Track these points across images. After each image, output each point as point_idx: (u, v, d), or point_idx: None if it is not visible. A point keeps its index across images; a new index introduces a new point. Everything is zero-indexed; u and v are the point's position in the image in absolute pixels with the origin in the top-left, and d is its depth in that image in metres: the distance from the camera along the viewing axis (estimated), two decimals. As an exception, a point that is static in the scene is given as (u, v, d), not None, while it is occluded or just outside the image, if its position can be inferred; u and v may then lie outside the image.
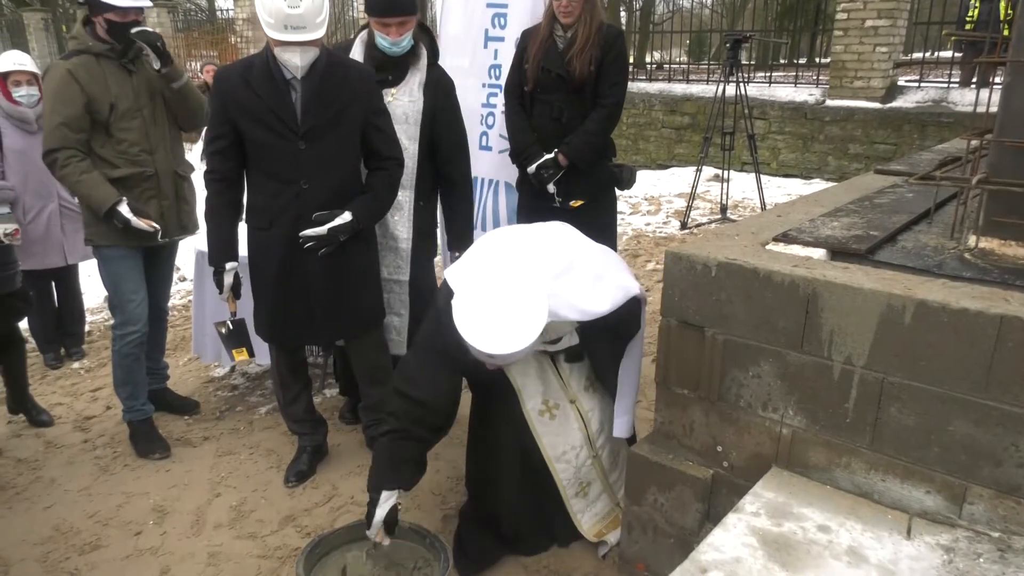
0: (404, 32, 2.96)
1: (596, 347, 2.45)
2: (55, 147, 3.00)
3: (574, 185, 3.37)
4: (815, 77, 10.69)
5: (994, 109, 2.00)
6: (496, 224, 4.04)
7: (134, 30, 3.05)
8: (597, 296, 2.26)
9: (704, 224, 7.42)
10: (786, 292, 1.90)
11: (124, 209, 3.07)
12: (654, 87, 11.47)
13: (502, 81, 3.79)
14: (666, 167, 10.78)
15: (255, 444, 3.49)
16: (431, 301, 2.45)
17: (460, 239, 3.32)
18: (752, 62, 14.01)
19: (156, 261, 3.43)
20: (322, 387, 3.99)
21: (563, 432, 2.52)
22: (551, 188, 3.36)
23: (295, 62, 2.61)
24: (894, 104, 9.08)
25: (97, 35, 3.09)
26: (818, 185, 8.47)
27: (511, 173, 3.68)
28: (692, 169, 8.27)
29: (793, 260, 1.99)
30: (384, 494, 2.31)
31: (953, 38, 10.89)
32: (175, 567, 2.65)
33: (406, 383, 2.30)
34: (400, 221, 3.14)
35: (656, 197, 8.79)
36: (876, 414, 1.83)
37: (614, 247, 3.61)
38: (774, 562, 1.67)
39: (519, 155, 3.44)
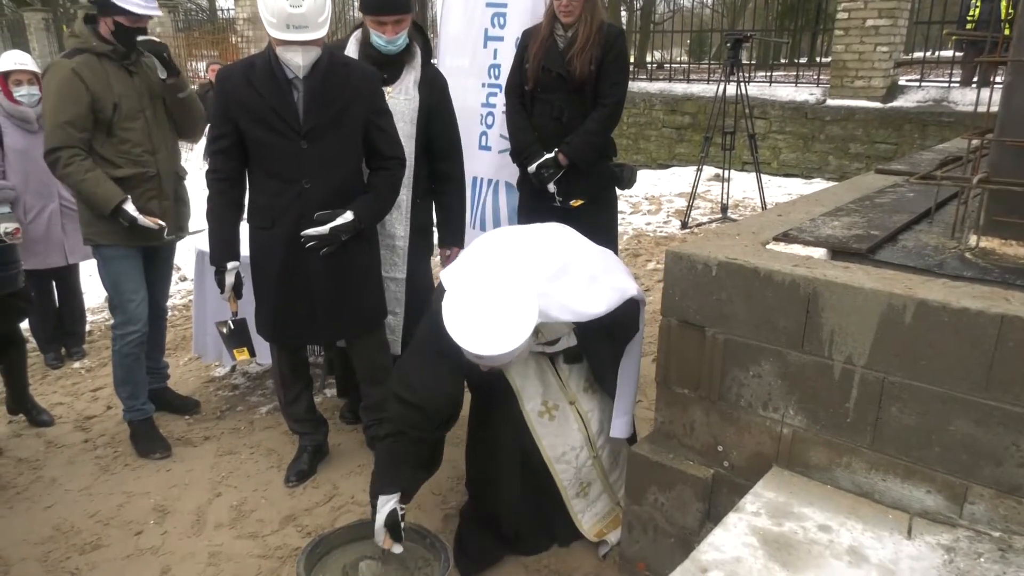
0: (400, 30, 2.98)
1: (594, 348, 2.45)
2: (58, 146, 2.99)
3: (574, 184, 3.37)
4: (816, 77, 10.68)
5: (995, 108, 2.00)
6: (496, 224, 4.04)
7: (140, 39, 3.08)
8: (591, 298, 2.25)
9: (705, 224, 7.42)
10: (787, 292, 1.90)
11: (130, 207, 3.08)
12: (655, 86, 11.47)
13: (502, 81, 3.79)
14: (667, 166, 10.78)
15: (256, 444, 3.49)
16: (428, 301, 2.45)
17: (453, 236, 3.35)
18: (753, 62, 14.00)
19: (155, 261, 3.43)
20: (323, 387, 3.99)
21: (563, 433, 2.52)
22: (551, 187, 3.36)
23: (297, 61, 2.61)
24: (895, 104, 9.08)
25: (100, 35, 3.08)
26: (819, 185, 8.47)
27: (511, 173, 3.68)
28: (693, 169, 8.27)
29: (794, 260, 1.99)
30: (382, 499, 2.31)
31: (954, 37, 10.90)
32: (176, 567, 2.66)
33: (403, 387, 2.30)
34: (397, 219, 3.15)
35: (657, 196, 8.79)
36: (877, 414, 1.83)
37: (614, 247, 3.61)
38: (775, 562, 1.67)
39: (519, 154, 3.45)
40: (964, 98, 8.65)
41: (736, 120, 7.34)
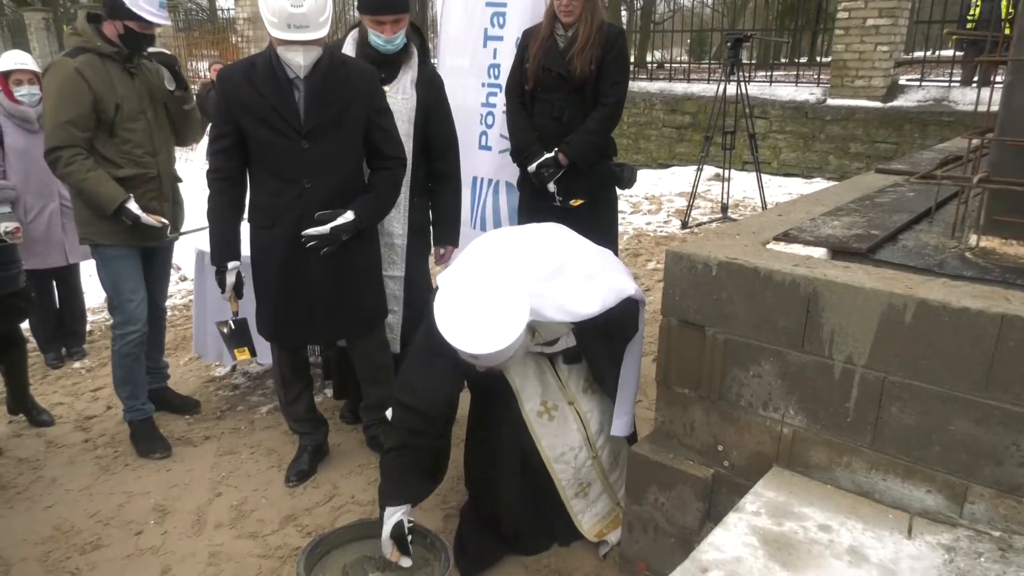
0: (398, 30, 3.00)
1: (593, 348, 2.45)
2: (60, 145, 2.99)
3: (574, 184, 3.37)
4: (816, 76, 10.69)
5: (995, 108, 2.00)
6: (497, 224, 4.04)
7: (152, 50, 3.13)
8: (587, 297, 2.25)
9: (705, 223, 7.42)
10: (787, 291, 1.90)
11: (133, 206, 3.09)
12: (655, 86, 11.47)
13: (501, 81, 3.79)
14: (667, 166, 10.78)
15: (256, 443, 3.49)
16: (426, 300, 2.45)
17: (448, 234, 3.37)
18: (753, 61, 13.99)
19: (153, 261, 3.44)
20: (323, 387, 3.98)
21: (562, 433, 2.52)
22: (551, 187, 3.36)
23: (298, 61, 2.61)
24: (895, 103, 9.08)
25: (104, 35, 3.09)
26: (819, 184, 8.47)
27: (512, 172, 3.68)
28: (693, 168, 8.27)
29: (794, 259, 1.99)
30: (388, 510, 2.31)
31: (954, 37, 10.90)
32: (176, 567, 2.66)
33: (405, 392, 2.30)
34: (395, 217, 3.15)
35: (657, 196, 8.79)
36: (877, 413, 1.83)
37: (615, 246, 3.60)
38: (775, 561, 1.66)
39: (519, 154, 3.45)
40: (964, 98, 8.65)
41: (736, 120, 7.34)
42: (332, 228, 2.74)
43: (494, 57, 3.93)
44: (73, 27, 3.15)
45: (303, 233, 2.74)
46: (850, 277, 1.83)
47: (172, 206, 3.37)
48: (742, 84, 7.26)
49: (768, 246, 2.14)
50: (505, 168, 3.85)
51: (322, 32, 2.60)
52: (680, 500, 2.24)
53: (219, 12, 21.73)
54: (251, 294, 3.02)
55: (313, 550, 2.40)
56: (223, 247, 2.87)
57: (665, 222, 7.66)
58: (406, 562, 2.32)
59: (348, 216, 2.76)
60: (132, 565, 2.68)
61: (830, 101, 9.51)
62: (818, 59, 15.51)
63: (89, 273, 4.63)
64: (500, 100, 3.80)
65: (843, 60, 9.37)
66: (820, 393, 1.91)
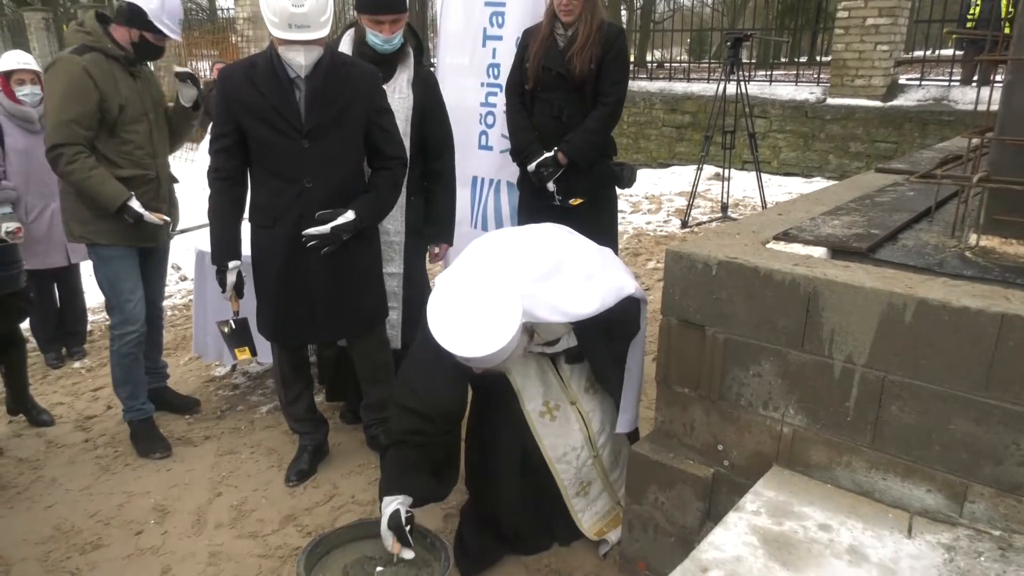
0: (396, 30, 3.01)
1: (593, 348, 2.44)
2: (63, 142, 2.98)
3: (574, 183, 3.37)
4: (816, 75, 10.69)
5: (995, 107, 2.00)
6: (498, 224, 4.04)
7: (180, 70, 3.28)
8: (584, 298, 2.24)
9: (705, 223, 7.42)
10: (787, 291, 1.90)
11: (135, 204, 3.09)
12: (655, 85, 11.47)
13: (501, 80, 3.79)
14: (667, 165, 10.78)
15: (256, 443, 3.49)
16: (424, 298, 2.45)
17: (443, 232, 3.39)
18: (753, 61, 13.99)
19: (150, 260, 3.45)
20: (319, 389, 3.98)
21: (564, 433, 2.52)
22: (551, 186, 3.36)
23: (299, 61, 2.62)
24: (895, 102, 9.08)
25: (112, 37, 3.10)
26: (819, 184, 8.47)
27: (513, 172, 3.68)
28: (693, 168, 8.27)
29: (794, 259, 1.99)
30: (385, 500, 2.30)
31: (954, 36, 10.89)
32: (176, 566, 2.66)
33: (406, 394, 2.30)
34: (393, 215, 3.16)
35: (657, 196, 8.79)
36: (877, 413, 1.83)
37: (615, 246, 3.60)
38: (775, 561, 1.67)
39: (519, 153, 3.45)
40: (964, 97, 8.65)
41: (736, 119, 7.34)
42: (333, 228, 2.74)
43: (493, 57, 3.93)
44: (80, 23, 3.15)
45: (304, 233, 2.74)
46: (850, 276, 1.83)
47: (169, 207, 3.38)
48: (742, 83, 7.26)
49: (768, 245, 2.14)
50: (506, 168, 3.85)
51: (323, 32, 2.61)
52: (680, 499, 2.24)
53: (219, 12, 21.73)
54: (252, 293, 3.02)
55: (313, 550, 2.40)
56: (224, 246, 2.87)
57: (665, 221, 7.66)
58: (408, 554, 2.28)
59: (349, 216, 2.76)
60: (132, 565, 2.68)
61: (830, 100, 9.51)
62: (818, 58, 15.52)
63: (90, 273, 4.64)
64: (500, 100, 3.80)
65: (843, 59, 9.37)
66: (820, 392, 1.91)
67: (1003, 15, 8.76)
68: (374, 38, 3.00)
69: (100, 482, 3.20)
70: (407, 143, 3.11)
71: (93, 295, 5.15)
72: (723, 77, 7.31)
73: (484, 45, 3.95)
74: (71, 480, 3.21)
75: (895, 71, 9.36)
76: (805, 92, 9.89)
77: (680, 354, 2.16)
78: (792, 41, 18.74)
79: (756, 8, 20.11)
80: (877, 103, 9.10)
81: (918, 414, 1.77)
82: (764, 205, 7.47)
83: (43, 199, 4.10)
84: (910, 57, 11.09)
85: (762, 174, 7.66)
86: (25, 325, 3.89)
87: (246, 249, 2.93)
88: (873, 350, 1.79)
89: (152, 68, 3.30)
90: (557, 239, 2.40)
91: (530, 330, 2.30)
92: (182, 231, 3.61)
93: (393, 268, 3.23)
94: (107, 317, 4.13)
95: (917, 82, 9.49)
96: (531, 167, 3.36)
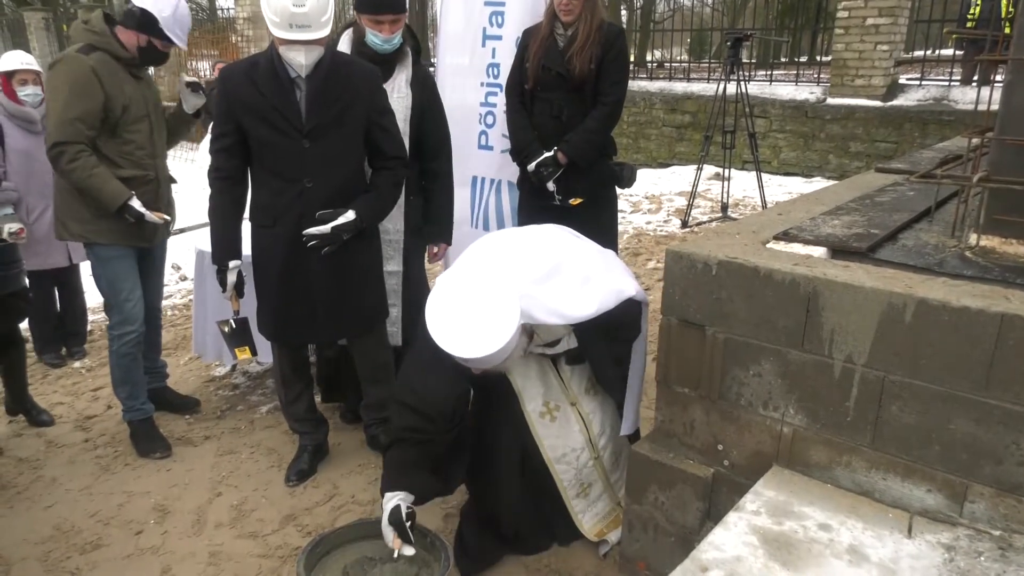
0: (396, 30, 3.02)
1: (593, 349, 2.44)
2: (66, 140, 2.98)
3: (574, 183, 3.37)
4: (816, 75, 10.69)
5: (995, 107, 2.00)
6: (500, 223, 4.04)
7: (189, 80, 3.36)
8: (582, 299, 2.24)
9: (705, 222, 7.42)
10: (787, 291, 1.89)
11: (136, 203, 3.10)
12: (655, 85, 11.47)
13: (501, 80, 3.79)
14: (667, 165, 10.78)
15: (256, 443, 3.49)
16: (423, 297, 2.45)
17: (441, 232, 3.40)
18: (753, 60, 14.00)
19: (148, 261, 3.45)
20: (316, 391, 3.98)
21: (564, 434, 2.52)
22: (550, 186, 3.36)
23: (300, 61, 2.62)
24: (895, 102, 9.08)
25: (118, 39, 3.11)
26: (819, 183, 8.47)
27: (514, 172, 3.68)
28: (693, 167, 8.27)
29: (794, 258, 1.99)
30: (386, 496, 2.29)
31: (954, 36, 10.89)
32: (176, 566, 2.66)
33: (406, 392, 2.30)
34: (393, 214, 3.16)
35: (657, 195, 8.79)
36: (877, 412, 1.83)
37: (615, 245, 3.61)
38: (775, 561, 1.67)
39: (519, 153, 3.45)
40: (964, 97, 8.65)
41: (736, 119, 7.34)
42: (333, 227, 2.74)
43: (493, 56, 3.93)
44: (86, 22, 3.15)
45: (304, 232, 2.74)
46: (850, 276, 1.83)
47: (166, 207, 3.39)
48: (742, 83, 7.26)
49: (768, 245, 2.14)
50: (506, 168, 3.85)
51: (324, 32, 2.61)
52: (680, 499, 2.24)
53: (219, 12, 21.73)
54: (252, 293, 3.03)
55: (313, 550, 2.40)
56: (224, 246, 2.88)
57: (665, 221, 7.66)
58: (408, 550, 2.26)
59: (349, 215, 2.76)
60: (132, 565, 2.68)
61: (830, 100, 9.51)
62: (818, 58, 15.52)
63: (89, 273, 4.64)
64: (500, 100, 3.80)
65: (843, 59, 9.37)
66: (820, 392, 1.91)
67: (1003, 15, 8.76)
68: (374, 38, 3.00)
69: (100, 482, 3.20)
70: (406, 143, 3.11)
71: (93, 295, 5.16)
72: (723, 77, 7.31)
73: (484, 45, 3.95)
74: (71, 480, 3.21)
75: (895, 71, 9.36)
76: (805, 92, 9.89)
77: (680, 354, 2.16)
78: (792, 41, 18.74)
79: (756, 8, 20.11)
80: (877, 103, 9.10)
81: (918, 414, 1.77)
82: (764, 205, 7.47)
83: (44, 200, 4.09)
84: (910, 57, 11.09)
85: (762, 174, 7.66)
86: (24, 325, 3.89)
87: (246, 249, 2.93)
88: (873, 350, 1.79)
89: (152, 70, 3.30)
90: (557, 241, 2.40)
91: (530, 331, 2.30)
92: (180, 230, 3.61)
93: (393, 266, 3.23)
94: (106, 317, 4.14)
95: (917, 82, 9.49)
96: (531, 167, 3.36)
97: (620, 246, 4.45)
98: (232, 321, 3.05)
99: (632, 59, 12.28)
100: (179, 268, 6.06)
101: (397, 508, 2.25)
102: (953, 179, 2.18)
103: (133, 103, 3.13)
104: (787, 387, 1.97)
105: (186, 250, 4.89)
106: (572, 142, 3.29)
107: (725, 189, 7.50)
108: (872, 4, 8.95)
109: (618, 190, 3.60)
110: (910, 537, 1.74)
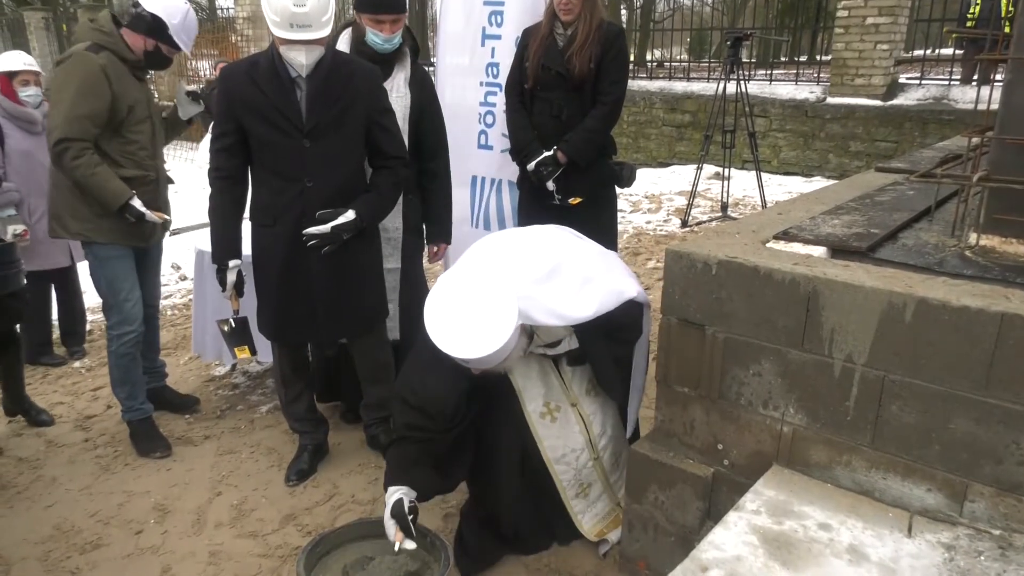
0: (396, 30, 3.03)
1: (594, 350, 2.43)
2: (72, 137, 2.97)
3: (574, 182, 3.37)
4: (816, 75, 10.70)
5: (995, 106, 2.00)
6: (500, 223, 4.04)
7: (190, 89, 3.44)
8: (582, 300, 2.24)
9: (705, 222, 7.42)
10: (787, 290, 1.89)
11: (137, 203, 3.11)
12: (655, 85, 11.47)
13: (500, 80, 3.79)
14: (667, 165, 10.78)
15: (256, 443, 3.49)
16: (421, 296, 2.45)
17: (441, 232, 3.40)
18: (753, 60, 14.00)
19: (146, 261, 3.45)
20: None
21: (564, 435, 2.52)
22: (550, 185, 3.36)
23: (300, 60, 2.62)
24: (895, 102, 9.08)
25: (125, 41, 3.12)
26: (819, 183, 8.47)
27: (513, 171, 3.68)
28: (693, 167, 8.27)
29: (794, 258, 1.99)
30: (390, 490, 2.29)
31: (954, 35, 10.89)
32: (176, 566, 2.66)
33: (406, 390, 2.30)
34: (392, 212, 3.16)
35: (657, 195, 8.79)
36: (877, 412, 1.83)
37: (614, 245, 3.60)
38: (775, 560, 1.67)
39: (519, 152, 3.45)
40: (964, 96, 8.65)
41: (736, 118, 7.34)
42: (333, 227, 2.74)
43: (492, 56, 3.93)
44: (92, 20, 3.16)
45: (304, 232, 2.74)
46: (850, 276, 1.83)
47: (164, 207, 3.40)
48: (742, 83, 7.26)
49: (768, 245, 2.14)
50: (507, 167, 3.85)
51: (324, 31, 2.61)
52: (680, 499, 2.24)
53: (219, 11, 21.73)
54: (252, 292, 3.03)
55: (313, 549, 2.40)
56: (224, 245, 2.88)
57: (665, 221, 7.66)
58: (409, 544, 2.27)
59: (349, 215, 2.76)
60: (132, 564, 2.68)
61: (830, 99, 9.51)
62: (818, 57, 15.52)
63: (87, 273, 4.64)
64: (499, 99, 3.80)
65: (843, 58, 9.37)
66: (820, 392, 1.91)
67: (1003, 14, 8.75)
68: (374, 37, 3.00)
69: (100, 481, 3.20)
70: (405, 142, 3.12)
71: (92, 295, 5.16)
72: (723, 76, 7.31)
73: (483, 44, 3.95)
74: (71, 479, 3.21)
75: (895, 70, 9.36)
76: (805, 91, 9.89)
77: (680, 353, 2.16)
78: (792, 40, 18.75)
79: (756, 7, 20.11)
80: (877, 102, 9.10)
81: (918, 413, 1.77)
82: (764, 204, 7.47)
83: (45, 200, 4.09)
84: (910, 56, 11.09)
85: (762, 173, 7.66)
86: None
87: (247, 248, 2.93)
88: (873, 349, 1.79)
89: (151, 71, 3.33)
90: (557, 241, 2.40)
91: (530, 332, 2.30)
92: (178, 231, 3.62)
93: (391, 264, 3.24)
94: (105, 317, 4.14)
95: (917, 81, 9.49)
96: (531, 166, 3.36)
97: (620, 246, 4.45)
98: (232, 320, 3.05)
99: (632, 58, 12.27)
100: (179, 268, 6.06)
101: (400, 501, 2.26)
102: (953, 178, 2.18)
103: (138, 104, 3.15)
104: (787, 387, 1.96)
105: (186, 250, 4.90)
106: (572, 141, 3.29)
107: (725, 188, 7.50)
108: (872, 3, 8.95)
109: (618, 190, 3.60)
110: (910, 536, 1.74)
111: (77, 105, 2.97)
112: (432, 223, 3.38)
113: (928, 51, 11.25)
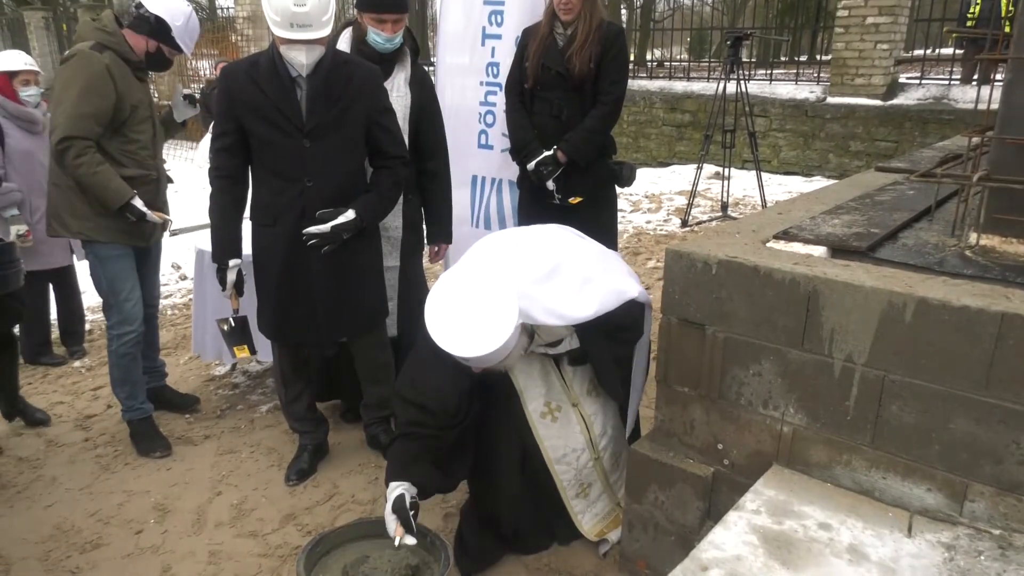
0: (398, 29, 3.03)
1: (595, 349, 2.43)
2: (76, 135, 2.97)
3: (574, 182, 3.37)
4: (816, 74, 10.70)
5: (995, 106, 1.99)
6: (500, 222, 4.04)
7: (185, 91, 3.51)
8: (582, 300, 2.24)
9: (705, 222, 7.42)
10: (787, 290, 1.89)
11: (138, 202, 3.11)
12: (655, 84, 11.47)
13: (500, 79, 3.79)
14: (667, 165, 10.78)
15: (256, 442, 3.49)
16: (420, 295, 2.45)
17: (441, 232, 3.40)
18: (753, 59, 14.00)
19: (145, 260, 3.45)
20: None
21: (564, 435, 2.52)
22: (550, 185, 3.37)
23: (301, 60, 2.62)
24: (895, 101, 9.08)
25: (127, 42, 3.12)
26: (819, 183, 8.47)
27: (513, 171, 3.68)
28: (693, 167, 8.27)
29: (794, 258, 1.99)
30: (391, 486, 2.29)
31: (954, 35, 10.89)
32: (176, 565, 2.66)
33: (407, 387, 2.30)
34: (391, 213, 3.16)
35: (657, 195, 8.79)
36: (877, 412, 1.83)
37: (614, 245, 3.60)
38: (775, 560, 1.67)
39: (519, 152, 3.45)
40: (964, 96, 8.65)
41: (736, 118, 7.34)
42: (333, 227, 2.74)
43: (492, 56, 3.93)
44: (97, 19, 3.16)
45: (304, 231, 2.74)
46: (850, 275, 1.83)
47: (163, 207, 3.40)
48: (742, 82, 7.26)
49: (768, 244, 2.14)
50: (507, 167, 3.85)
51: (325, 31, 2.61)
52: (680, 499, 2.24)
53: (219, 11, 21.73)
54: (252, 292, 3.03)
55: (313, 549, 2.40)
56: (224, 245, 2.88)
57: (665, 220, 7.66)
58: (410, 540, 2.26)
59: (349, 215, 2.76)
60: (132, 564, 2.68)
61: (830, 99, 9.51)
62: (818, 57, 15.51)
63: (86, 273, 4.63)
64: (499, 99, 3.81)
65: (843, 58, 9.36)
66: (820, 392, 1.91)
67: (1003, 14, 8.75)
68: (376, 37, 3.00)
69: (100, 481, 3.20)
70: (405, 142, 3.12)
71: (92, 294, 5.16)
72: (723, 76, 7.31)
73: (483, 44, 3.95)
74: (71, 479, 3.21)
75: (895, 70, 9.36)
76: (805, 91, 9.89)
77: (680, 353, 2.16)
78: (792, 40, 18.74)
79: (756, 7, 20.11)
80: (877, 102, 9.10)
81: (918, 413, 1.77)
82: (764, 204, 7.47)
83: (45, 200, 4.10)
84: (910, 56, 11.09)
85: (762, 173, 7.66)
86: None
87: (247, 248, 2.93)
88: (873, 349, 1.79)
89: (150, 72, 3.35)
90: (558, 241, 2.40)
91: (530, 331, 2.30)
92: (178, 231, 3.62)
93: (390, 262, 3.24)
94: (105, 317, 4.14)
95: (917, 81, 9.49)
96: (531, 166, 3.36)
97: (620, 245, 4.45)
98: (231, 320, 3.05)
99: (632, 58, 12.29)
100: (179, 268, 6.06)
101: (401, 496, 2.25)
102: (953, 178, 2.18)
103: (140, 104, 3.16)
104: (787, 386, 1.96)
105: (186, 250, 4.89)
106: (571, 141, 3.29)
107: (725, 188, 7.50)
108: (872, 3, 8.95)
109: (618, 189, 3.60)
110: (910, 536, 1.74)
111: (81, 104, 2.97)
112: (432, 223, 3.39)
113: (928, 51, 11.24)
